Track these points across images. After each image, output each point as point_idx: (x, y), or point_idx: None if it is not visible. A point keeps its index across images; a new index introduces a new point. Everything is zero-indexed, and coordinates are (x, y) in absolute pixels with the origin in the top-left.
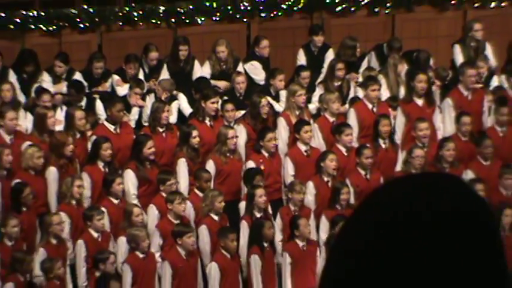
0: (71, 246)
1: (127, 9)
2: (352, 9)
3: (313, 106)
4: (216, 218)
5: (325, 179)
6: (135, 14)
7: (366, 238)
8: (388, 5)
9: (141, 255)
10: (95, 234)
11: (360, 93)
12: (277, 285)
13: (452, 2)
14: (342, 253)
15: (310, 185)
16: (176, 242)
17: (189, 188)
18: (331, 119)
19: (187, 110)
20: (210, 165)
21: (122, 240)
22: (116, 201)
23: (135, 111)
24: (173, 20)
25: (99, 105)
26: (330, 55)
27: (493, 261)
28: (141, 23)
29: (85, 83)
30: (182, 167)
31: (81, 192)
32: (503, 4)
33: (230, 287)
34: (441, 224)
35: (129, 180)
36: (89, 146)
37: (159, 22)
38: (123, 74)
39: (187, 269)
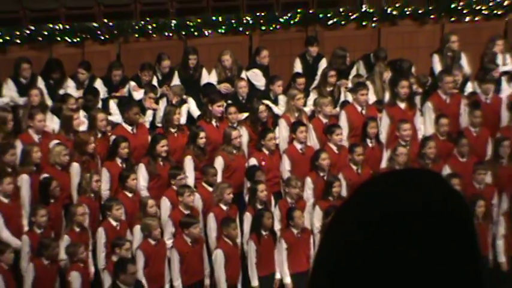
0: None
1: (142, 23)
2: (343, 23)
3: (308, 109)
4: (224, 208)
5: (321, 174)
6: (150, 27)
7: (352, 233)
8: (374, 19)
9: (153, 242)
10: (114, 223)
11: (350, 97)
12: (276, 267)
13: (432, 16)
14: (333, 245)
15: (308, 180)
16: (183, 231)
17: (195, 182)
18: (324, 121)
19: (196, 112)
20: (220, 161)
21: (137, 228)
22: (130, 195)
23: (149, 113)
24: (183, 32)
25: (113, 106)
26: (323, 64)
27: (468, 248)
28: (154, 35)
29: (105, 88)
30: (188, 163)
31: (98, 186)
32: (476, 19)
33: (233, 270)
34: (423, 217)
35: (141, 173)
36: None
37: (171, 34)
38: (139, 81)
39: (193, 254)
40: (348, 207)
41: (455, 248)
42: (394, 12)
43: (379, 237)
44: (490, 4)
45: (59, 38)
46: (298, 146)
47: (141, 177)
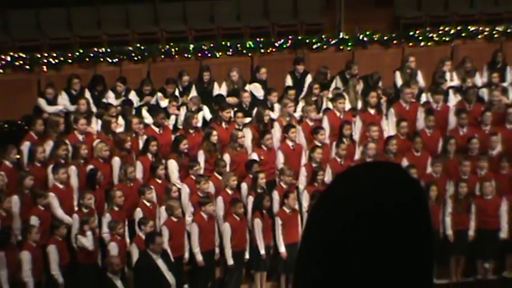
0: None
1: (167, 47)
2: (324, 47)
3: (297, 114)
4: (230, 192)
5: (314, 165)
6: (173, 50)
7: (324, 231)
8: (349, 44)
9: (175, 220)
10: (148, 204)
11: (330, 105)
12: (272, 239)
13: (394, 42)
14: (311, 243)
15: (303, 169)
16: (200, 209)
17: (208, 172)
18: (310, 124)
19: (209, 117)
20: (227, 157)
21: (162, 208)
22: (159, 181)
23: (172, 118)
24: (199, 54)
25: (144, 113)
26: (308, 79)
27: (424, 226)
28: (176, 56)
29: (137, 98)
30: (200, 156)
31: (133, 175)
32: (429, 44)
33: (239, 240)
34: (388, 205)
35: (173, 167)
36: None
37: (189, 56)
38: (164, 92)
39: (208, 228)
40: (322, 205)
41: (415, 226)
42: (365, 39)
43: (351, 232)
44: (440, 32)
45: (101, 59)
46: (290, 144)
47: (174, 170)
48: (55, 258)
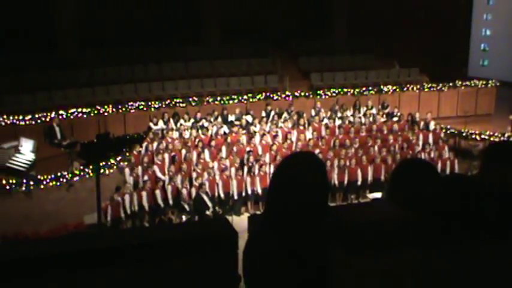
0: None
1: (207, 98)
2: (279, 98)
3: (267, 129)
4: (236, 165)
5: (273, 153)
6: (210, 100)
7: (281, 183)
8: (290, 97)
9: (211, 178)
10: (198, 170)
11: (282, 125)
12: (255, 186)
13: (311, 96)
14: (273, 188)
15: (267, 155)
16: (223, 172)
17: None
18: (273, 133)
19: (227, 131)
20: (234, 149)
21: (205, 172)
22: (202, 160)
23: (210, 131)
24: (222, 102)
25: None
26: (272, 113)
27: (324, 179)
28: (211, 103)
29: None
30: (224, 149)
31: (190, 157)
32: (326, 97)
33: (240, 188)
34: (307, 170)
35: (207, 153)
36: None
37: (217, 102)
38: (206, 119)
39: (227, 181)
40: (277, 172)
41: (320, 178)
42: (297, 94)
43: (290, 182)
44: (330, 91)
45: (177, 104)
46: (264, 142)
47: (208, 155)
48: (159, 196)
